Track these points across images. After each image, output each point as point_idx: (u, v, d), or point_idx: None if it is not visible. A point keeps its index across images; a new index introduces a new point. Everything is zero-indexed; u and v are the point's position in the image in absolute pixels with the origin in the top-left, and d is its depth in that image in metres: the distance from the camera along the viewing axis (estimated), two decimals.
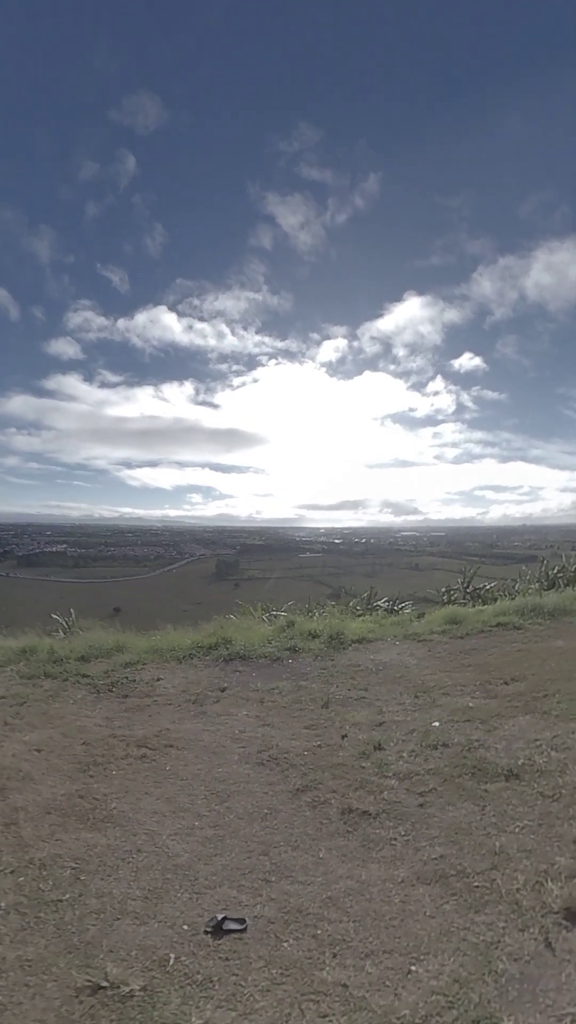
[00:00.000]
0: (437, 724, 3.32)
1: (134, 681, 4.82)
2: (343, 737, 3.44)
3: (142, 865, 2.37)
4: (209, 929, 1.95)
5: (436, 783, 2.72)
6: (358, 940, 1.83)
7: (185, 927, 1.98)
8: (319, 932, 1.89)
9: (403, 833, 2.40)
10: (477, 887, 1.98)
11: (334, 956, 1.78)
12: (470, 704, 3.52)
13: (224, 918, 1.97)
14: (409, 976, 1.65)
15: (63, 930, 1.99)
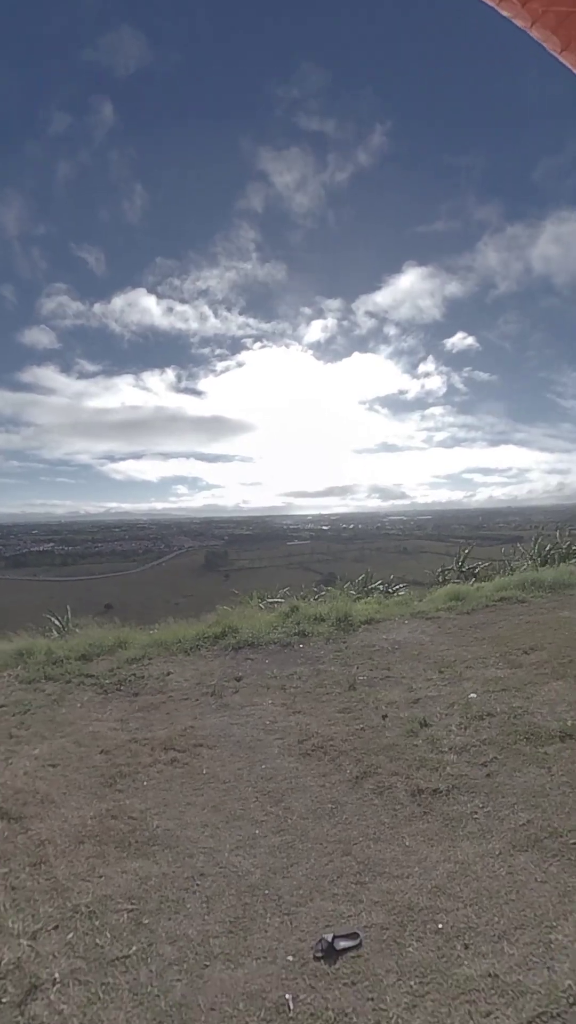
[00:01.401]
0: (475, 696, 3.37)
1: (143, 677, 4.36)
2: (384, 717, 3.36)
3: (212, 892, 2.07)
4: (320, 954, 1.74)
5: (495, 752, 2.74)
6: (483, 923, 1.75)
7: (290, 958, 1.75)
8: (440, 926, 1.78)
9: (481, 805, 2.37)
10: (574, 844, 2.01)
11: (466, 947, 1.68)
12: (499, 674, 3.61)
13: (333, 937, 1.78)
14: (552, 946, 1.61)
15: (142, 996, 1.65)
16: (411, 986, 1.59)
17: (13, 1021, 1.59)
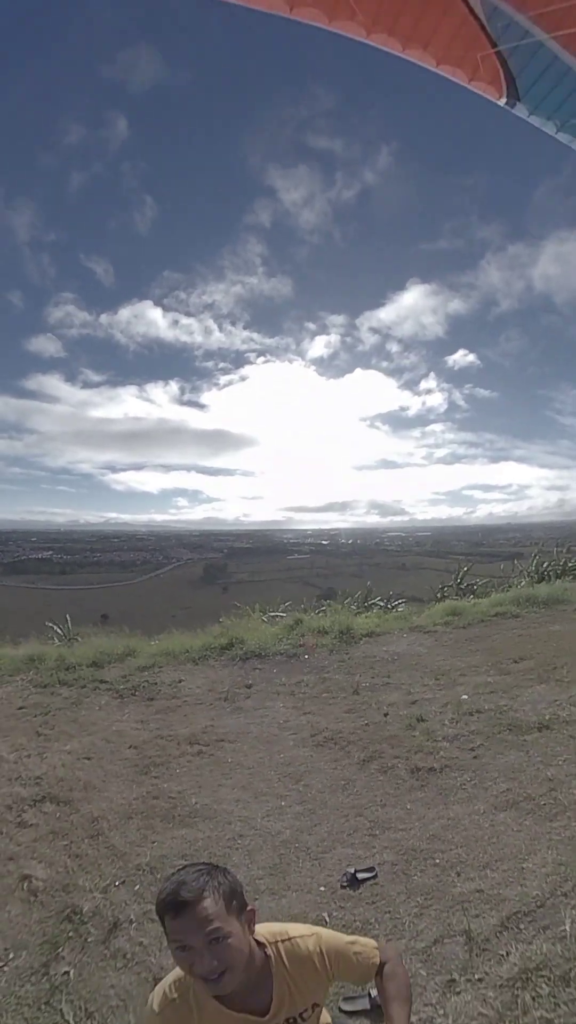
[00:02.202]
0: (466, 697, 3.88)
1: (155, 684, 4.70)
2: (385, 715, 3.83)
3: (251, 848, 2.48)
4: (345, 883, 2.17)
5: (481, 740, 3.24)
6: (471, 859, 2.22)
7: (322, 888, 2.18)
8: (438, 861, 2.24)
9: (469, 779, 2.86)
10: (544, 805, 2.50)
11: (458, 875, 2.14)
12: (489, 680, 4.12)
13: (355, 871, 2.22)
14: (524, 871, 2.09)
15: None
16: (418, 901, 2.04)
17: (100, 954, 1.91)
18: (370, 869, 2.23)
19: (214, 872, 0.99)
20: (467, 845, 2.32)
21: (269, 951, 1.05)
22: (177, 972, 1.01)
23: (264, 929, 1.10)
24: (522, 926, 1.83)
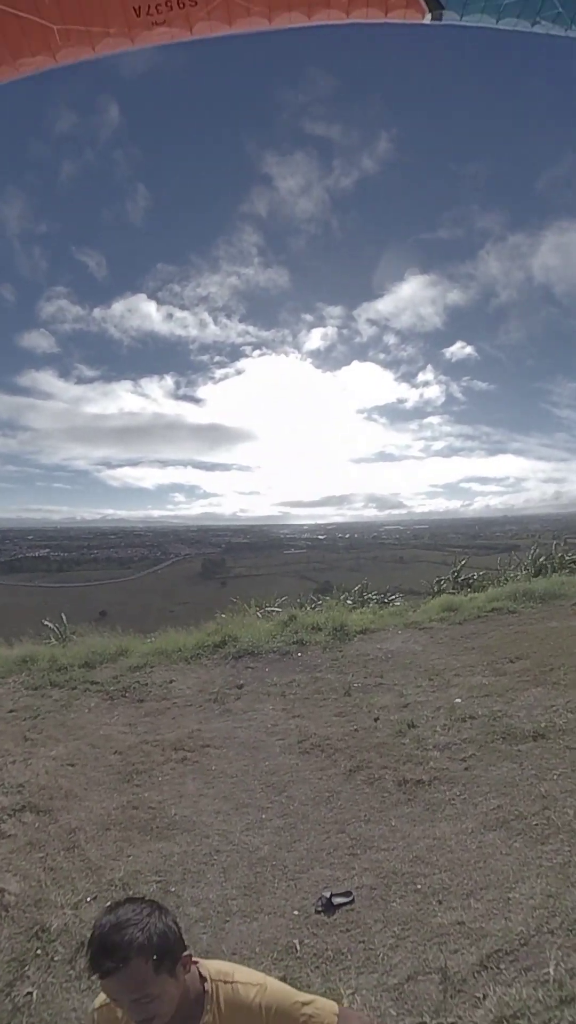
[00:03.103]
0: (459, 700, 3.74)
1: (146, 685, 4.66)
2: (375, 720, 3.72)
3: (227, 864, 2.40)
4: (320, 908, 2.08)
5: (474, 749, 3.11)
6: (455, 885, 2.11)
7: (295, 912, 2.09)
8: (419, 886, 2.13)
9: (458, 793, 2.73)
10: (536, 825, 2.37)
11: (439, 903, 2.03)
12: (484, 682, 3.98)
13: (331, 894, 2.12)
14: (510, 902, 1.96)
15: None
16: (395, 931, 1.93)
17: (66, 974, 1.88)
18: (347, 893, 2.14)
19: (147, 923, 0.92)
20: (452, 869, 2.20)
21: (208, 987, 0.99)
22: None
23: (211, 965, 1.03)
24: (502, 966, 1.71)
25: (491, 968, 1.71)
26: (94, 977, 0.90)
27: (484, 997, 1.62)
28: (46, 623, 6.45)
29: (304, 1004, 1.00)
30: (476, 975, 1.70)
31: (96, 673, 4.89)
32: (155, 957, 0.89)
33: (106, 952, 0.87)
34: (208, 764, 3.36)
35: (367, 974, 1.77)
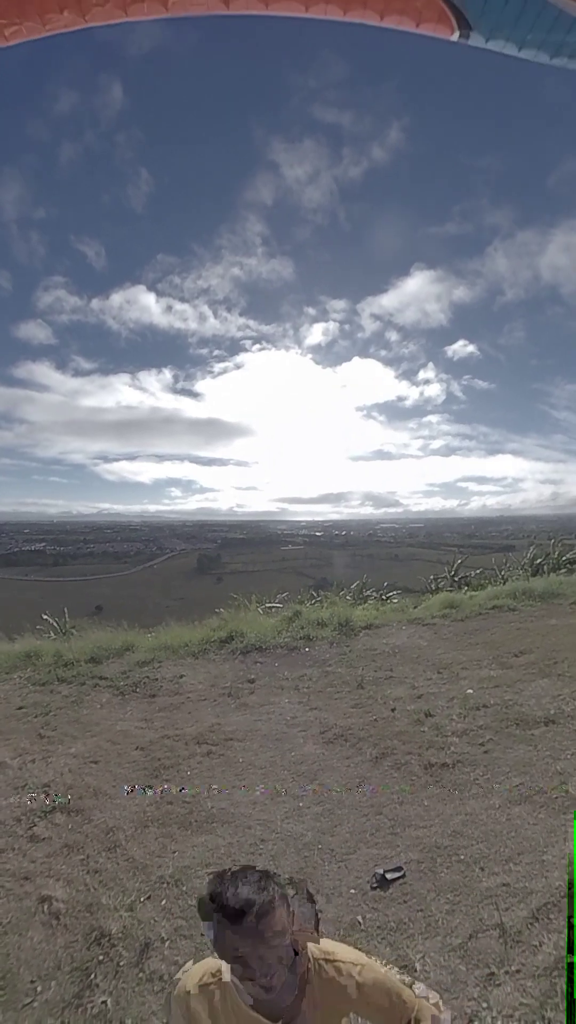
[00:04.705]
0: (471, 691, 4.01)
1: (156, 680, 4.60)
2: (392, 710, 3.90)
3: (275, 852, 2.47)
4: (375, 884, 2.21)
5: (490, 735, 3.36)
6: (493, 853, 2.30)
7: (352, 891, 2.20)
8: (462, 856, 2.31)
9: (481, 774, 2.96)
10: (557, 798, 2.63)
11: (482, 870, 2.22)
12: (492, 674, 4.27)
13: (384, 871, 2.25)
14: (545, 863, 2.18)
15: None
16: (448, 898, 2.10)
17: (136, 978, 1.84)
18: (398, 868, 2.28)
19: (271, 880, 0.92)
20: (487, 840, 2.40)
21: (309, 964, 1.00)
22: (213, 962, 0.99)
23: (313, 943, 1.03)
24: (552, 916, 1.92)
25: (542, 919, 1.91)
26: (227, 929, 0.85)
27: (540, 945, 1.81)
28: (45, 617, 6.15)
29: (400, 991, 1.02)
30: (530, 927, 1.89)
31: (104, 668, 4.76)
32: (287, 911, 0.89)
33: (249, 901, 0.85)
34: (234, 757, 3.39)
35: (431, 938, 1.92)
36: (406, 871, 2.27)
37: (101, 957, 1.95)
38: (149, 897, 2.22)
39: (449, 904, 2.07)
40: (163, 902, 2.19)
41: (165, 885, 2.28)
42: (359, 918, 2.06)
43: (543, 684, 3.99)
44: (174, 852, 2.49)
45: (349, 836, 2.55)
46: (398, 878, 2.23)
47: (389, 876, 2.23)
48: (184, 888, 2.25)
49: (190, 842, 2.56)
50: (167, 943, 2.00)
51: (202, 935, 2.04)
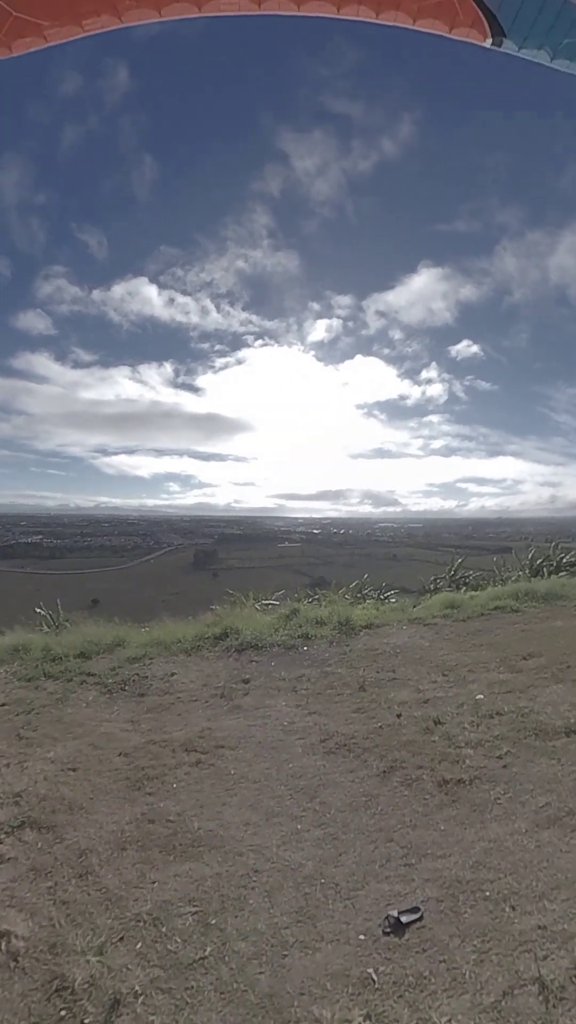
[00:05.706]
0: (481, 696, 3.71)
1: (146, 677, 4.28)
2: (398, 716, 3.59)
3: (270, 887, 2.14)
4: (388, 929, 1.89)
5: (508, 746, 3.06)
6: (524, 888, 2.00)
7: (361, 936, 1.88)
8: (487, 893, 2.01)
9: (503, 792, 2.66)
10: None
11: (513, 908, 1.91)
12: (501, 678, 3.98)
13: (398, 913, 1.94)
14: None
15: (229, 993, 1.69)
16: (475, 945, 1.79)
17: None
18: (414, 910, 1.96)
19: None
20: (516, 872, 2.10)
21: None
22: None
23: None
24: None
25: None
26: None
27: None
28: (38, 610, 5.83)
29: None
30: (574, 980, 1.59)
31: (92, 664, 4.45)
32: None
33: None
34: (225, 767, 3.07)
35: (458, 997, 1.61)
36: (424, 911, 1.96)
37: (63, 1013, 1.63)
38: (122, 938, 1.89)
39: (477, 953, 1.76)
40: (138, 945, 1.86)
41: (142, 924, 1.95)
42: (371, 972, 1.74)
43: (558, 690, 3.70)
44: (153, 883, 2.16)
45: (356, 867, 2.24)
46: (415, 920, 1.92)
47: (404, 919, 1.92)
48: (163, 929, 1.93)
49: (172, 870, 2.23)
50: (141, 998, 1.67)
51: (186, 989, 1.74)
